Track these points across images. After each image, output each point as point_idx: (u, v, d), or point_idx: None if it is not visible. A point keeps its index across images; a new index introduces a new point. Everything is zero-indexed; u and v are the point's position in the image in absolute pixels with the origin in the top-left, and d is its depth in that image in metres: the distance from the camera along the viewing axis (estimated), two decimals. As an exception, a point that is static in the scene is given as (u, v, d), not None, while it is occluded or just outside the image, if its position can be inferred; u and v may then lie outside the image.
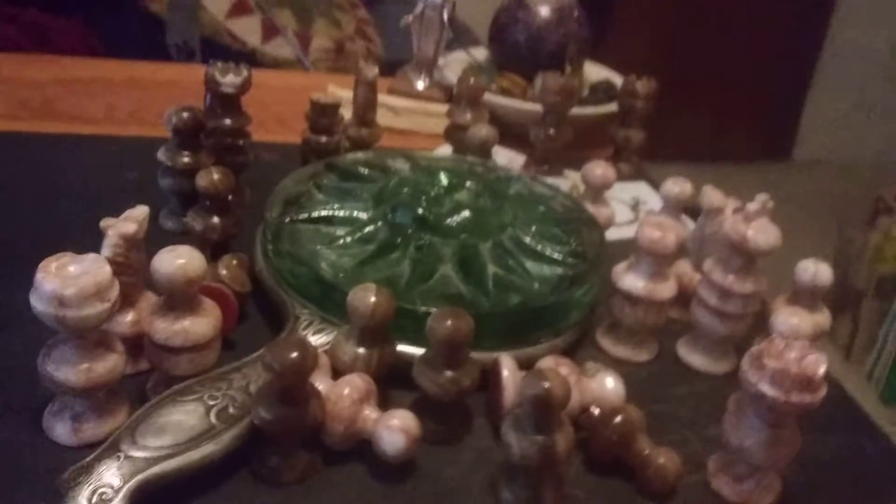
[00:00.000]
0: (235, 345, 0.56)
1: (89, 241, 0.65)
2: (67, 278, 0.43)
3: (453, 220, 0.60)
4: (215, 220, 0.61)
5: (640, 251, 0.58)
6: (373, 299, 0.49)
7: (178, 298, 0.47)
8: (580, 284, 0.59)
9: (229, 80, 0.68)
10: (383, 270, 0.57)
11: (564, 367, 0.52)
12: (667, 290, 0.58)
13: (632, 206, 0.84)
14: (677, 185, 0.68)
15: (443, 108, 0.94)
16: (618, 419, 0.49)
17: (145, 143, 0.82)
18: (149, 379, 0.51)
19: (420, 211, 0.59)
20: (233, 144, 0.69)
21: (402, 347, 0.53)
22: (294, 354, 0.43)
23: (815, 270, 0.59)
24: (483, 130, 0.75)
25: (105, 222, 0.49)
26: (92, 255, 0.45)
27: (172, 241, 0.66)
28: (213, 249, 0.62)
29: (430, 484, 0.48)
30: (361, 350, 0.50)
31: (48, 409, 0.47)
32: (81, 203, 0.71)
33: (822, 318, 0.60)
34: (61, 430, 0.46)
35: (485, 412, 0.53)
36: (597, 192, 0.71)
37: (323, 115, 0.74)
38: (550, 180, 0.85)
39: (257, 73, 1.05)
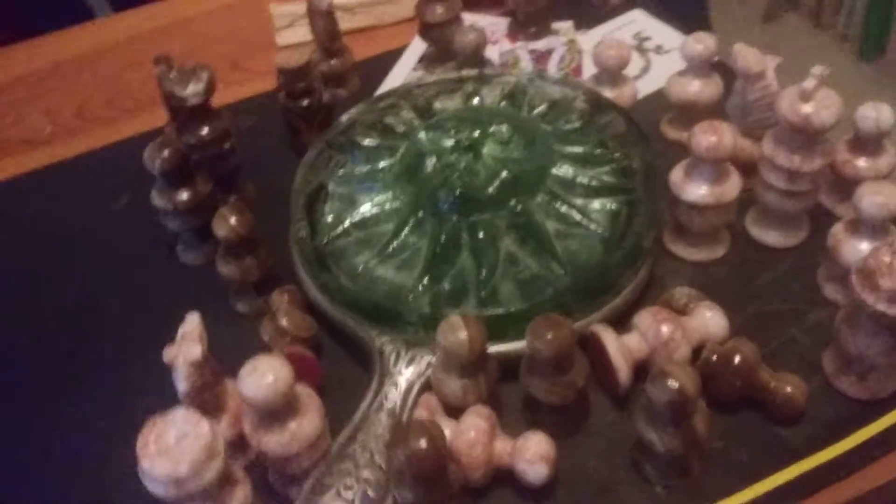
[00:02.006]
0: (324, 389, 0.54)
1: (122, 321, 0.61)
2: (173, 453, 0.40)
3: (495, 188, 0.55)
4: (249, 260, 0.57)
5: (697, 158, 0.54)
6: (464, 335, 0.47)
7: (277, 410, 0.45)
8: (642, 210, 0.56)
9: (192, 90, 0.60)
10: (448, 272, 0.53)
11: (667, 325, 0.50)
12: (733, 188, 0.55)
13: (637, 48, 0.77)
14: (700, 43, 0.63)
15: (399, -12, 0.85)
16: (736, 360, 0.49)
17: (112, 152, 0.75)
18: (267, 471, 0.50)
19: (458, 192, 0.55)
20: (219, 152, 0.63)
21: (497, 348, 0.51)
22: (423, 445, 0.42)
23: (877, 115, 0.55)
24: (470, 36, 0.68)
25: (167, 355, 0.46)
26: (181, 412, 0.42)
27: (197, 275, 0.63)
28: (256, 286, 0.58)
29: (581, 483, 0.48)
30: (467, 381, 0.48)
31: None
32: (81, 264, 0.65)
33: (890, 157, 0.57)
34: (216, 565, 0.46)
35: (594, 382, 0.52)
36: (615, 74, 0.65)
37: (297, 79, 0.66)
38: (543, 43, 0.79)
39: (178, 4, 0.94)
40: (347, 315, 0.54)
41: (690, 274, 0.58)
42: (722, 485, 0.48)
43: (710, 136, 0.53)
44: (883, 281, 0.44)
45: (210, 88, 0.60)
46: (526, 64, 0.77)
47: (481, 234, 0.54)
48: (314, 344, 0.55)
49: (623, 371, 0.49)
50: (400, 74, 0.77)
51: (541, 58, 0.77)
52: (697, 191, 0.55)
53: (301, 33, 0.83)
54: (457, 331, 0.47)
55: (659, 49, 0.77)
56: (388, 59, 0.80)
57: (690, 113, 0.66)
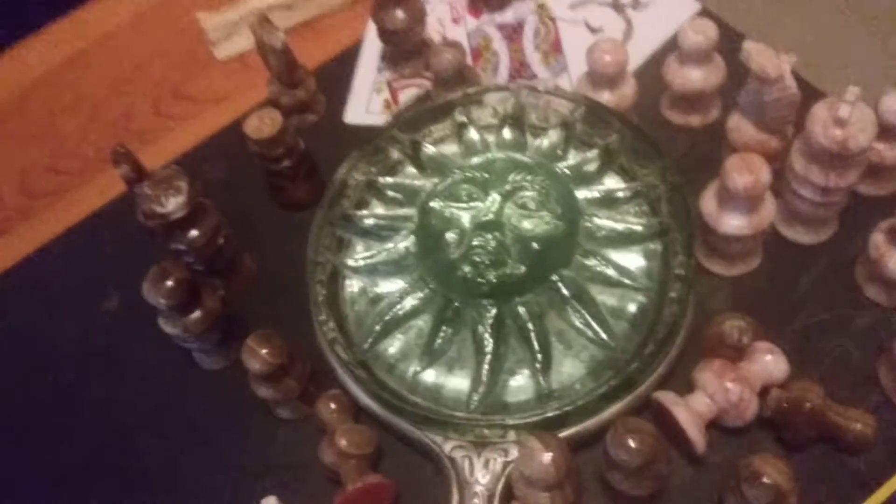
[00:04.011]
0: (401, 496, 0.53)
1: (157, 449, 0.57)
2: None
3: (528, 266, 0.52)
4: (287, 381, 0.54)
5: (733, 194, 0.52)
6: (548, 459, 0.46)
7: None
8: (678, 246, 0.54)
9: (173, 205, 0.54)
10: (502, 366, 0.52)
11: (734, 384, 0.50)
12: (769, 212, 0.53)
13: (612, 6, 0.71)
14: (699, 34, 0.58)
15: (335, -30, 0.76)
16: (806, 408, 0.49)
17: (80, 235, 0.68)
18: None
19: (494, 280, 0.52)
20: (215, 251, 0.58)
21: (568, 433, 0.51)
22: None
23: (903, 105, 0.53)
24: (447, 56, 0.62)
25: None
26: None
27: (223, 380, 0.60)
28: (301, 397, 0.56)
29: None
30: (554, 492, 0.48)
31: None
32: (93, 384, 0.60)
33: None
34: None
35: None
36: (613, 78, 0.60)
37: (274, 145, 0.60)
38: (511, 14, 0.73)
39: (87, 18, 0.82)
40: (403, 420, 0.53)
41: (730, 291, 0.57)
42: (809, 528, 0.50)
43: (748, 176, 0.50)
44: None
45: (192, 196, 0.55)
46: (498, 45, 0.71)
47: (526, 317, 0.52)
48: (377, 454, 0.54)
49: (699, 442, 0.49)
50: (365, 82, 0.71)
51: (513, 34, 0.71)
52: (734, 222, 0.53)
53: (240, 43, 0.75)
54: (539, 455, 0.46)
55: (636, 4, 0.71)
56: (345, 62, 0.73)
57: (694, 98, 0.62)
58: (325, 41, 0.75)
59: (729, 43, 0.62)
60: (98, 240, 0.67)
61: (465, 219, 0.54)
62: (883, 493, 0.50)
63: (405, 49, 0.68)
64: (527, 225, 0.53)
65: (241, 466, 0.56)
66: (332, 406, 0.54)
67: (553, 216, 0.53)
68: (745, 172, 0.50)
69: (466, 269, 0.52)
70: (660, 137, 0.63)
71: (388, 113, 0.68)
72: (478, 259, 0.52)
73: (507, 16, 0.72)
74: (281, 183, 0.63)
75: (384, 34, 0.67)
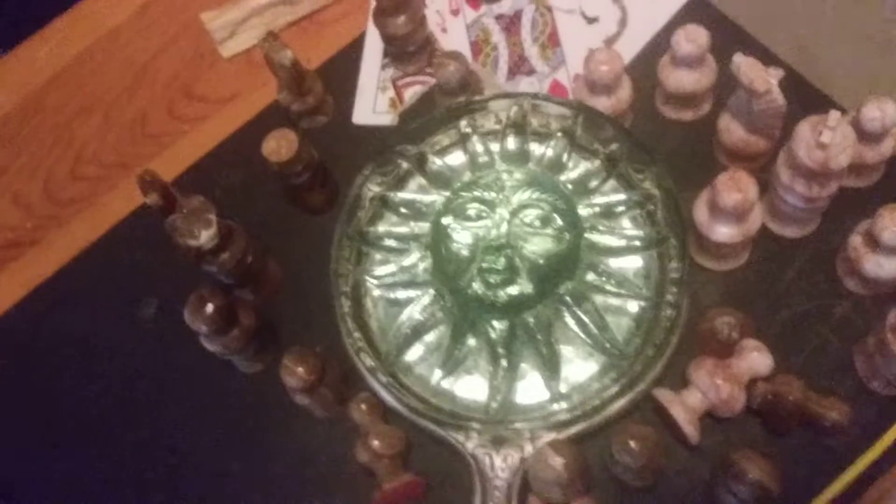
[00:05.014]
0: (431, 487, 0.60)
1: (205, 455, 0.62)
2: None
3: (537, 283, 0.56)
4: (322, 390, 0.59)
5: (723, 209, 0.56)
6: (560, 463, 0.52)
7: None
8: (672, 251, 0.58)
9: (205, 238, 0.58)
10: (518, 375, 0.57)
11: (724, 382, 0.55)
12: (757, 219, 0.58)
13: (607, -6, 0.73)
14: (691, 42, 0.61)
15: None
16: (790, 399, 0.55)
17: (110, 243, 0.72)
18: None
19: (505, 298, 0.56)
20: (248, 271, 0.62)
21: (577, 430, 0.57)
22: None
23: (882, 115, 0.56)
24: (450, 68, 0.64)
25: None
26: None
27: (260, 382, 0.65)
28: (334, 399, 0.61)
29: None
30: (566, 487, 0.54)
31: None
32: (142, 394, 0.66)
33: (891, 140, 0.59)
34: None
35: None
36: (610, 85, 0.63)
37: (292, 165, 0.63)
38: (509, 4, 0.75)
39: (90, 14, 0.83)
40: (428, 421, 0.58)
41: (721, 284, 0.62)
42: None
43: (737, 195, 0.54)
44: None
45: (221, 226, 0.59)
46: (497, 38, 0.73)
47: (535, 328, 0.57)
48: (408, 451, 0.60)
49: (693, 435, 0.55)
50: (370, 81, 0.73)
51: (511, 26, 0.73)
52: (724, 230, 0.57)
53: (245, 40, 0.77)
54: (549, 459, 0.52)
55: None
56: (348, 59, 0.75)
57: (686, 97, 0.65)
58: (328, 33, 0.77)
59: (725, 37, 0.64)
60: (129, 247, 0.71)
61: (476, 238, 0.58)
62: (856, 469, 0.56)
63: (408, 50, 0.71)
64: (534, 243, 0.57)
65: (282, 463, 0.63)
66: (364, 408, 0.60)
67: (558, 233, 0.57)
68: (735, 191, 0.54)
69: (478, 288, 0.57)
70: (653, 131, 0.67)
71: (393, 111, 0.71)
72: (489, 279, 0.56)
73: (505, 6, 0.74)
74: (299, 193, 0.67)
75: (386, 38, 0.69)
